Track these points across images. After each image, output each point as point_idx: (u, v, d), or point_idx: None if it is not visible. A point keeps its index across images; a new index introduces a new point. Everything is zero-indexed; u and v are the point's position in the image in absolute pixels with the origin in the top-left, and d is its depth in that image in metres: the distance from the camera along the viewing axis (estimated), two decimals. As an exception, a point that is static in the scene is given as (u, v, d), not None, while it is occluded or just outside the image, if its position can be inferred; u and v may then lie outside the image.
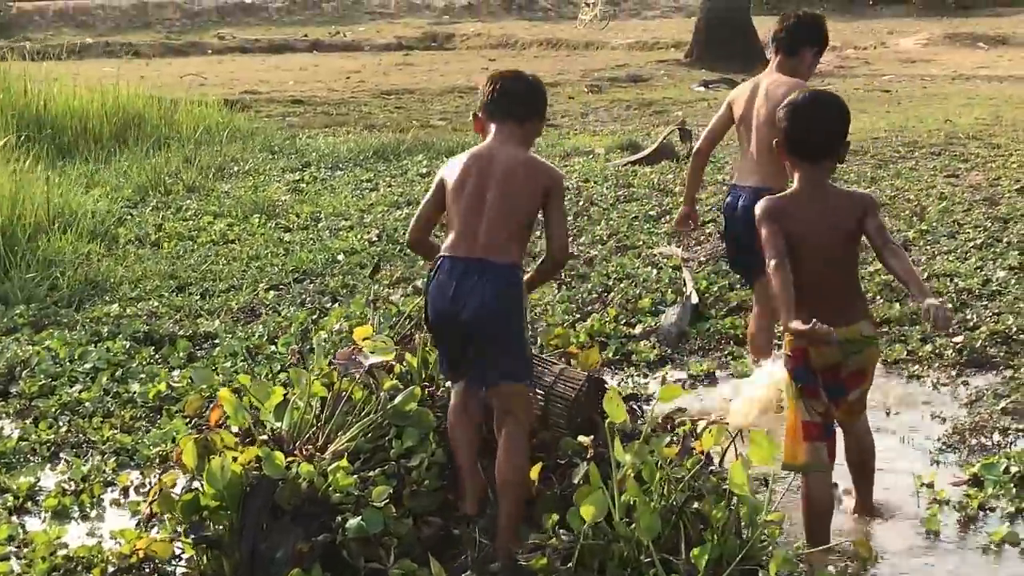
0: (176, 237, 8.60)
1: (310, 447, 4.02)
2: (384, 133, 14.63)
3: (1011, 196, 9.58)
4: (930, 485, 4.49)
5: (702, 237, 8.49)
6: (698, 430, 4.17)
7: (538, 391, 4.25)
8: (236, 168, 11.94)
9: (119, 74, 23.98)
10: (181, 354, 5.94)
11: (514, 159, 3.97)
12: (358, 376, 4.15)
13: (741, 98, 5.35)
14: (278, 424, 4.16)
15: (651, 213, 9.32)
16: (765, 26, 27.73)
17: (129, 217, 9.35)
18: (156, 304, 6.85)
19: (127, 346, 6.03)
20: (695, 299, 6.76)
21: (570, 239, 5.15)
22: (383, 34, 34.16)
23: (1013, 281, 7.05)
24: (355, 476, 3.86)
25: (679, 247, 8.14)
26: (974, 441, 4.93)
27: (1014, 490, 4.35)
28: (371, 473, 3.92)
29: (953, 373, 5.83)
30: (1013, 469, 4.47)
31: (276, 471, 3.79)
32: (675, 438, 4.21)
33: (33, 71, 14.65)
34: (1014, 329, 6.15)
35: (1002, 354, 5.94)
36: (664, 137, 12.07)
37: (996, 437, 4.95)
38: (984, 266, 7.42)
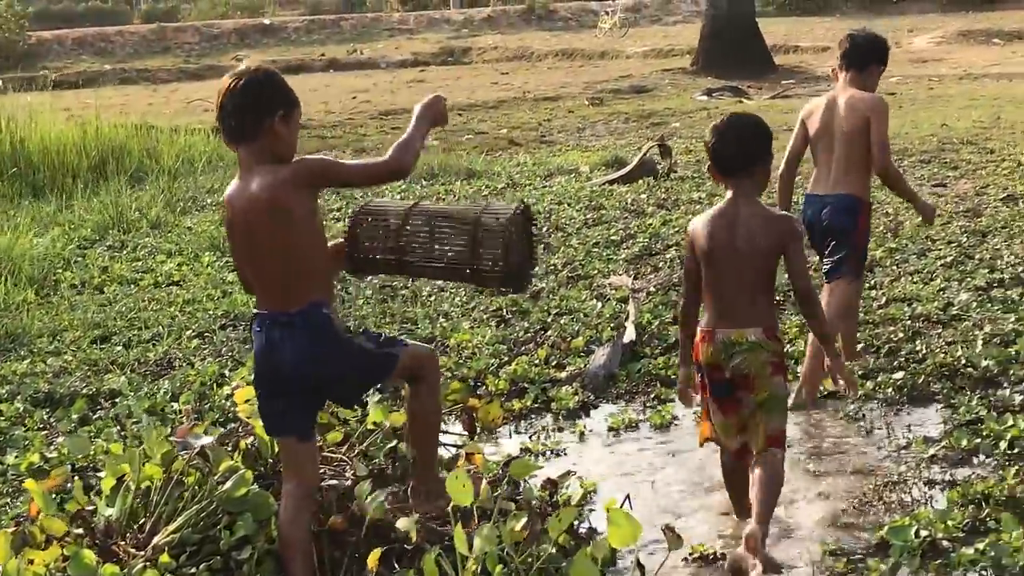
0: (118, 280, 8.34)
1: (135, 538, 3.71)
2: (368, 156, 14.34)
3: (995, 206, 9.14)
4: (835, 552, 4.09)
5: (660, 264, 8.13)
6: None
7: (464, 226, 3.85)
8: (209, 200, 11.71)
9: (127, 102, 24.12)
10: (74, 416, 5.64)
11: (269, 186, 3.48)
12: (189, 457, 3.83)
13: (816, 115, 5.56)
14: (109, 511, 3.85)
15: (614, 238, 8.95)
16: (773, 29, 27.42)
17: (79, 259, 9.10)
18: (70, 358, 6.58)
19: (21, 409, 5.75)
20: (631, 336, 6.39)
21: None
22: (400, 50, 34.01)
23: (975, 304, 6.61)
24: (172, 574, 3.53)
25: (631, 276, 7.76)
26: (893, 497, 4.51)
27: (918, 560, 3.93)
28: (193, 570, 3.59)
29: (892, 412, 5.41)
30: (923, 533, 4.06)
31: (83, 572, 3.48)
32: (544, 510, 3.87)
33: (10, 103, 14.50)
34: (962, 362, 5.72)
35: (945, 390, 5.51)
36: (644, 154, 11.69)
37: (917, 491, 4.54)
38: (948, 287, 6.99)
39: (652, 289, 7.44)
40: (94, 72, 31.51)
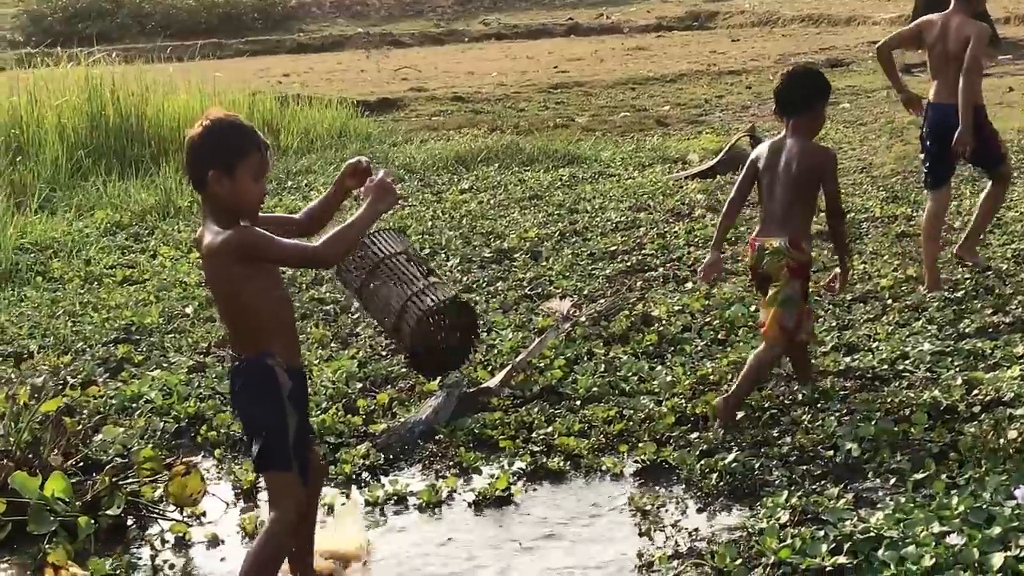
0: (86, 277, 8.05)
1: None
2: (500, 136, 13.64)
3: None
4: None
5: (639, 283, 7.07)
6: None
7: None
8: (291, 183, 11.39)
9: (334, 70, 24.38)
10: None
11: (209, 245, 3.48)
12: None
13: (931, 28, 6.53)
14: None
15: (618, 247, 7.90)
16: None
17: (84, 248, 8.91)
18: None
19: None
20: (495, 382, 5.47)
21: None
22: (648, 14, 32.85)
23: (928, 359, 5.28)
24: None
25: (572, 303, 6.75)
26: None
27: None
28: None
29: (697, 505, 4.32)
30: None
31: None
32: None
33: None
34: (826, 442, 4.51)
35: (784, 479, 4.35)
36: (729, 148, 10.41)
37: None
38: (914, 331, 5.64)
39: (583, 319, 6.40)
40: (339, 37, 32.19)
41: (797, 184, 4.90)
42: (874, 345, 5.76)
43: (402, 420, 5.20)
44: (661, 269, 7.37)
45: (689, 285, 7.02)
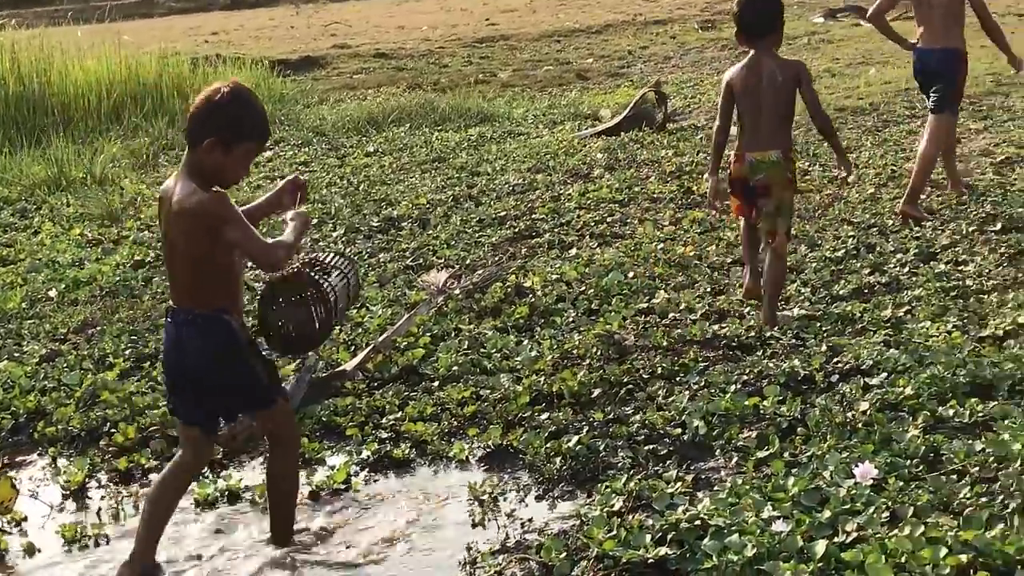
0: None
1: None
2: (417, 95, 13.39)
3: (984, 172, 7.43)
4: None
5: (524, 250, 6.91)
6: None
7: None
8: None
9: (264, 26, 23.94)
10: None
11: (182, 200, 3.52)
12: None
13: None
14: None
15: (501, 214, 7.73)
16: None
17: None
18: None
19: None
20: (352, 365, 5.30)
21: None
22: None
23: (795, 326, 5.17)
24: None
25: (449, 274, 6.58)
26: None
27: None
28: None
29: (531, 493, 4.18)
30: None
31: None
32: None
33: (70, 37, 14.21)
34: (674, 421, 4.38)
35: (628, 461, 4.22)
36: (634, 104, 10.23)
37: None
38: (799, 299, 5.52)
39: (458, 292, 6.23)
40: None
41: (781, 97, 5.20)
42: (745, 311, 5.64)
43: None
44: (547, 235, 7.20)
45: (572, 251, 6.86)
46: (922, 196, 7.00)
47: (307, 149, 10.81)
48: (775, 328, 5.26)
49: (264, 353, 3.86)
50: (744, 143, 5.32)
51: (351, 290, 4.08)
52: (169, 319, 3.71)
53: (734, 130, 5.45)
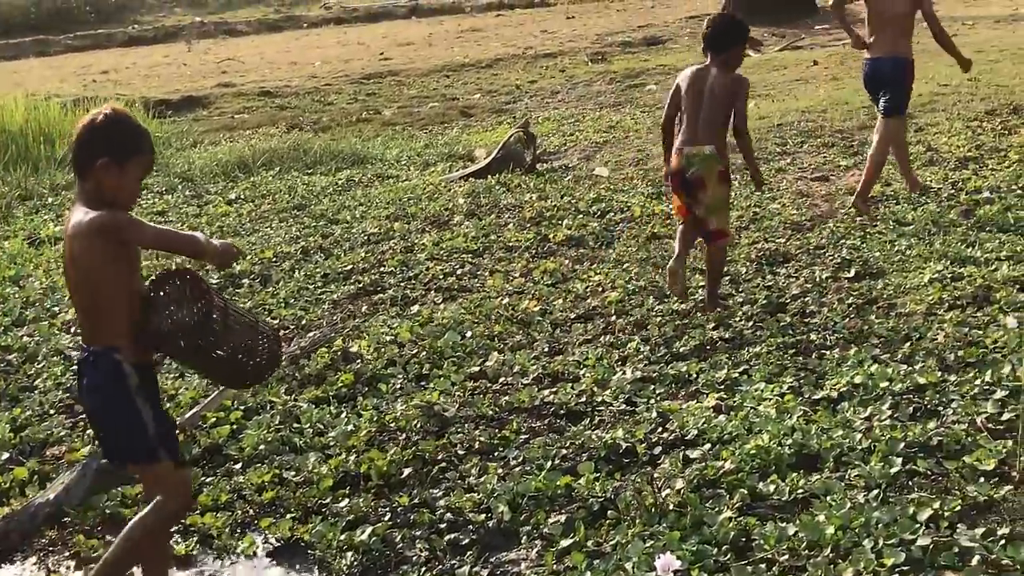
0: None
1: None
2: (295, 135, 13.00)
3: (848, 211, 7.25)
4: None
5: (366, 309, 6.54)
6: None
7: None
8: (52, 199, 10.60)
9: (156, 64, 23.39)
10: None
11: (80, 221, 3.47)
12: None
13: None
14: None
15: (347, 268, 7.37)
16: None
17: None
18: None
19: None
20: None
21: None
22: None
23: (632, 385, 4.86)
24: None
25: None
26: None
27: None
28: None
29: None
30: None
31: None
32: None
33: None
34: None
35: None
36: (503, 146, 9.94)
37: None
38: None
39: (288, 357, 5.85)
40: (172, 28, 31.05)
41: (720, 103, 5.78)
42: (581, 372, 5.33)
43: (27, 502, 4.59)
44: (392, 290, 6.86)
45: (415, 308, 6.52)
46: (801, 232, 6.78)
47: (168, 197, 10.36)
48: (716, 310, 5.87)
49: (162, 405, 3.74)
50: (682, 139, 5.84)
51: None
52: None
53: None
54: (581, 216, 8.05)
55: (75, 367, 3.68)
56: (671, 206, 6.21)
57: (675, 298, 6.03)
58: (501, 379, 5.37)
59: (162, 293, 3.66)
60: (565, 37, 19.86)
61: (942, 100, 10.18)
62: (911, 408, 4.55)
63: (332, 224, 8.63)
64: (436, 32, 24.96)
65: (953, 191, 7.65)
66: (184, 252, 3.67)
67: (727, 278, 6.43)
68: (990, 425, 4.34)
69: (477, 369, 5.50)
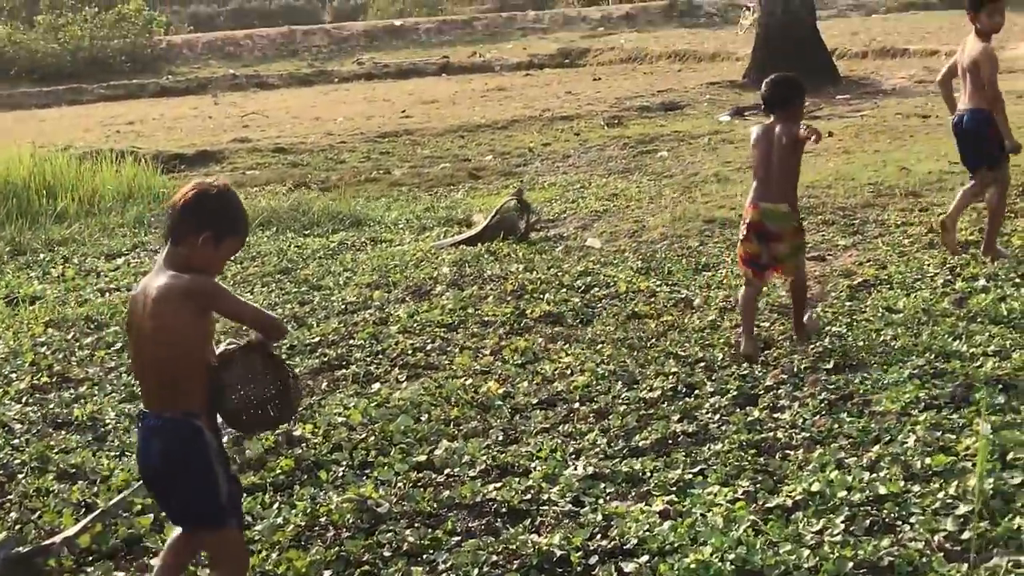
0: None
1: None
2: (299, 193, 12.89)
3: (840, 294, 6.96)
4: None
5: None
6: None
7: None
8: (43, 256, 10.49)
9: (182, 115, 23.48)
10: None
11: (169, 285, 3.58)
12: None
13: (959, 53, 7.65)
14: None
15: (315, 340, 7.15)
16: (835, 31, 24.33)
17: None
18: None
19: None
20: (59, 537, 4.66)
21: None
22: (524, 51, 32.31)
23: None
24: None
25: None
26: None
27: None
28: None
29: None
30: None
31: None
32: None
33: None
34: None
35: None
36: (496, 212, 9.73)
37: None
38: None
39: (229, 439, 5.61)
40: (204, 79, 31.27)
41: (787, 159, 6.15)
42: (532, 465, 5.06)
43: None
44: (356, 366, 6.62)
45: (376, 386, 6.28)
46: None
47: (159, 256, 10.19)
48: (806, 340, 6.26)
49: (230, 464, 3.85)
50: (757, 195, 6.22)
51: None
52: (139, 424, 3.74)
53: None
54: (564, 290, 7.80)
55: (139, 433, 3.75)
56: (736, 254, 6.76)
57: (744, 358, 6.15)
58: (447, 470, 5.11)
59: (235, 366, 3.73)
60: (586, 99, 19.70)
61: (951, 179, 9.87)
62: (868, 521, 4.24)
63: (314, 291, 8.43)
64: (462, 91, 24.93)
65: (950, 276, 7.34)
66: (263, 328, 3.73)
67: (702, 364, 6.15)
68: (948, 544, 4.02)
69: (424, 458, 5.24)
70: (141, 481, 4.82)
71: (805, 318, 6.44)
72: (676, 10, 35.79)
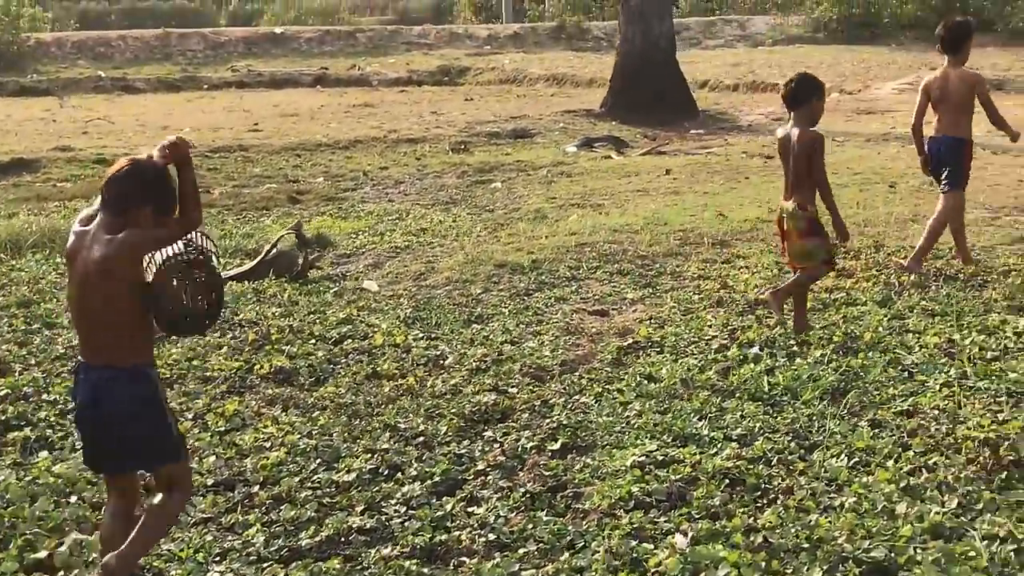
0: None
1: None
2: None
3: (605, 358, 6.31)
4: None
5: None
6: None
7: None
8: None
9: (29, 117, 22.27)
10: None
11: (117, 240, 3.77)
12: None
13: (933, 85, 7.99)
14: None
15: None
16: (716, 62, 24.03)
17: None
18: None
19: None
20: None
21: None
22: (403, 67, 31.55)
23: None
24: None
25: None
26: None
27: None
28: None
29: None
30: None
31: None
32: None
33: None
34: None
35: None
36: (272, 246, 8.92)
37: None
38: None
39: None
40: (67, 80, 29.95)
41: (799, 159, 6.39)
42: (167, 568, 4.26)
43: None
44: (29, 430, 5.75)
45: (43, 454, 5.43)
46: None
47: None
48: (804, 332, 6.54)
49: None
50: (784, 194, 6.66)
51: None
52: (82, 375, 3.84)
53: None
54: (313, 341, 7.03)
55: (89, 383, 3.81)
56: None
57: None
58: (66, 573, 4.29)
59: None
60: (445, 121, 19.00)
61: (766, 228, 9.32)
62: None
63: (46, 328, 7.53)
64: (328, 104, 24.09)
65: (727, 340, 6.72)
66: (188, 229, 3.85)
67: (420, 440, 5.42)
68: None
69: (46, 555, 4.41)
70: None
71: (766, 294, 7.00)
72: (565, 32, 35.33)
